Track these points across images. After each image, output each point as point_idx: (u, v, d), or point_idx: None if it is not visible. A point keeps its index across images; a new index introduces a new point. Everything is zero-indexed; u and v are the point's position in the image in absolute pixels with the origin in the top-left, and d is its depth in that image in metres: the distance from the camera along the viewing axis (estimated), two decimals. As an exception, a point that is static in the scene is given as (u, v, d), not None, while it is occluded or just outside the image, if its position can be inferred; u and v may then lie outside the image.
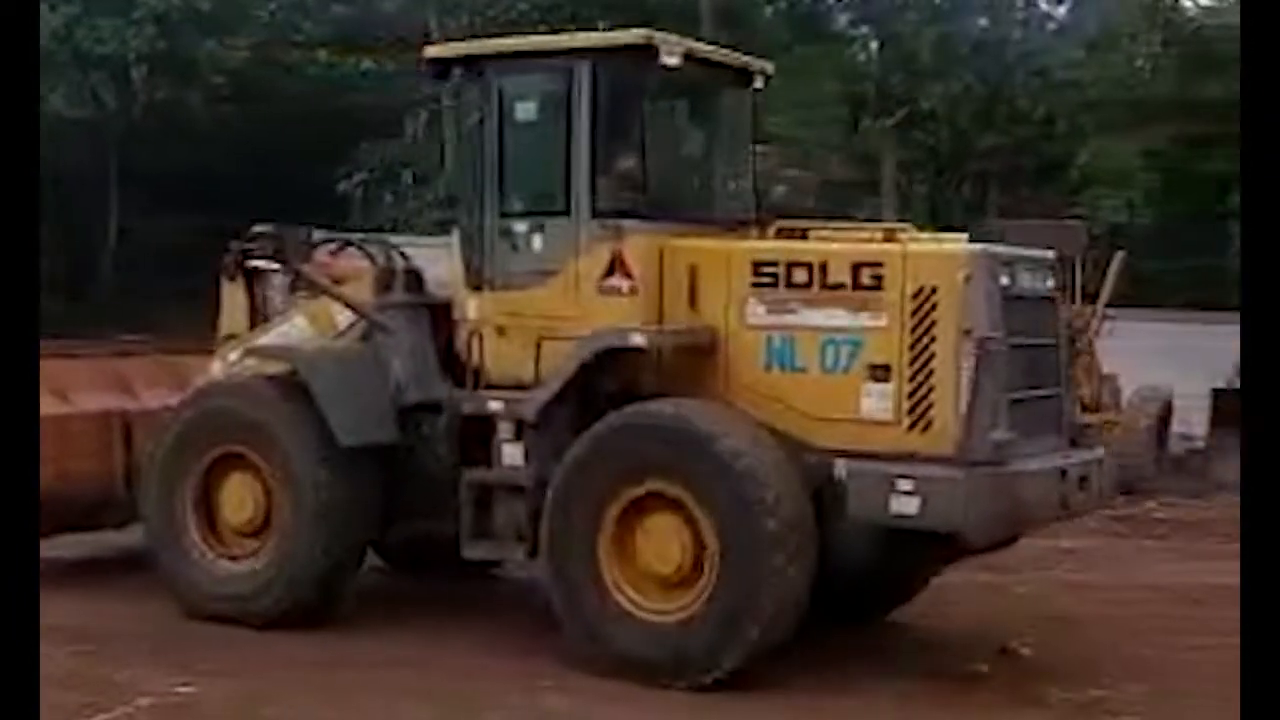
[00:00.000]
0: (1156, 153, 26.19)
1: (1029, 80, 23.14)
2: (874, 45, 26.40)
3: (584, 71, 7.94)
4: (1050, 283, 7.72)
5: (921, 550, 7.41)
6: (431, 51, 8.56)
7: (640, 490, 7.38)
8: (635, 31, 7.82)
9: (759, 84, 8.68)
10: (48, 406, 9.11)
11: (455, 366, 8.55)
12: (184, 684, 7.24)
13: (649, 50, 7.78)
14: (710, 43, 9.24)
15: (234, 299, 9.63)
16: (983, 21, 23.48)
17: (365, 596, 8.94)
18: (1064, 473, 7.31)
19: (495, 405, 8.04)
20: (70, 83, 30.85)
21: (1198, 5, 28.90)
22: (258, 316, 9.62)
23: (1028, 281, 7.48)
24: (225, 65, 29.44)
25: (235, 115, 30.99)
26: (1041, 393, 7.49)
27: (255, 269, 9.61)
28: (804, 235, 7.95)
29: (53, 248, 33.21)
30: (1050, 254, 7.87)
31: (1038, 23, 24.37)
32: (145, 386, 9.99)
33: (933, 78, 22.71)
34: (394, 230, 24.36)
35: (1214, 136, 22.15)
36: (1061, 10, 24.51)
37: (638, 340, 7.64)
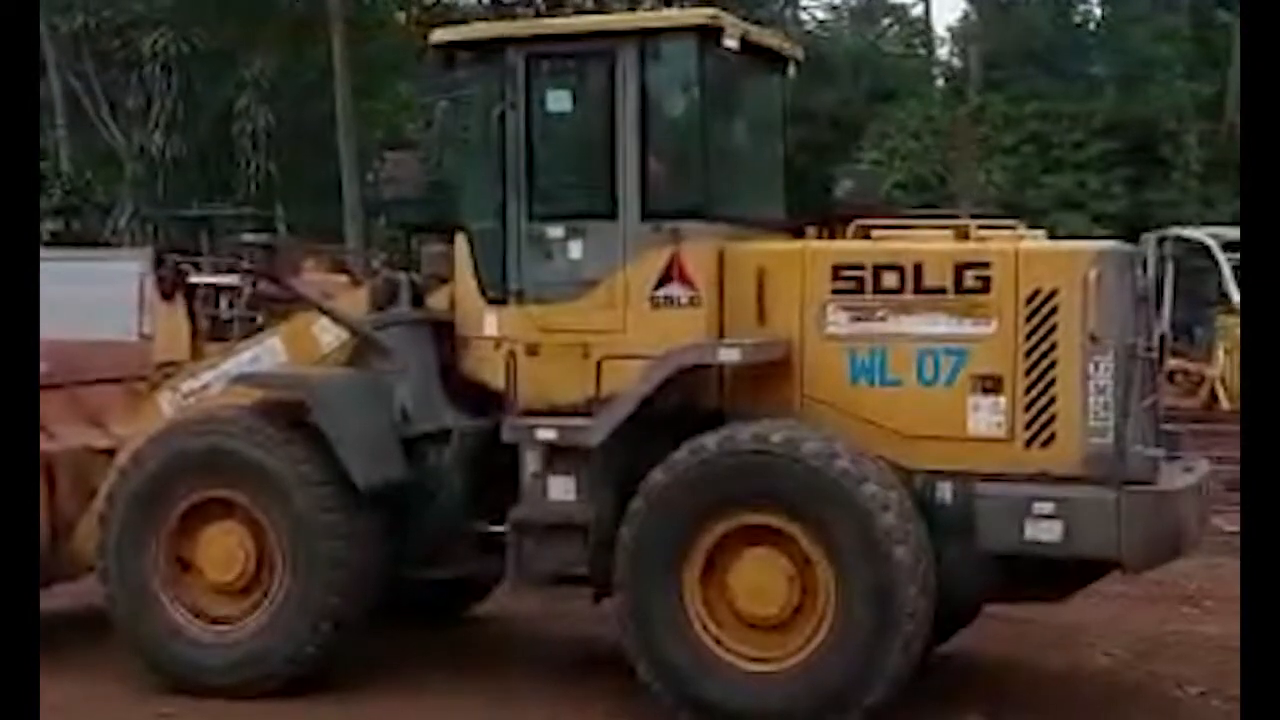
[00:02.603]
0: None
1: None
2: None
3: (630, 57, 7.09)
4: (1144, 277, 7.26)
5: (1044, 579, 6.79)
6: (438, 37, 7.52)
7: (735, 524, 6.58)
8: (699, 11, 7.01)
9: (791, 71, 7.99)
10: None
11: (461, 390, 7.56)
12: None
13: (711, 32, 6.99)
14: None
15: (172, 320, 8.37)
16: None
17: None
18: (1201, 488, 6.86)
19: (546, 433, 7.06)
20: None
21: (814, 19, 31.14)
22: (199, 340, 8.39)
23: (1141, 280, 7.02)
24: None
25: None
26: (1151, 399, 7.04)
27: (194, 286, 8.39)
28: (867, 235, 7.28)
29: None
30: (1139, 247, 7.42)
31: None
32: (58, 424, 8.54)
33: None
34: None
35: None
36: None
37: (729, 356, 6.83)
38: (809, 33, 31.05)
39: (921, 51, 32.64)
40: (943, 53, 34.03)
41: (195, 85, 26.58)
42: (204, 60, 26.29)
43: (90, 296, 15.69)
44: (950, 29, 39.53)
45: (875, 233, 7.22)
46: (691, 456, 6.61)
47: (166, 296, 8.39)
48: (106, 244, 23.81)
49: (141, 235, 25.47)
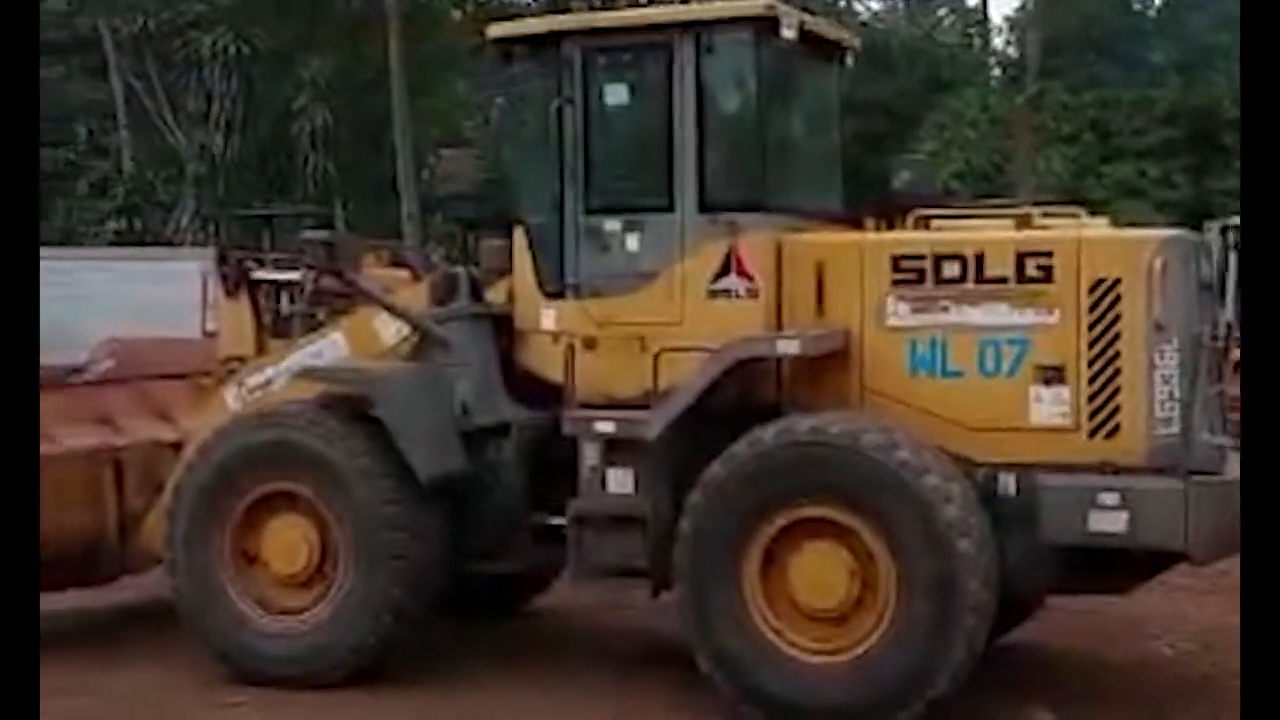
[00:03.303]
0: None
1: None
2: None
3: (687, 48, 7.09)
4: (1208, 265, 7.16)
5: (1109, 570, 6.72)
6: (495, 31, 7.55)
7: (794, 516, 6.55)
8: (756, 2, 6.99)
9: (849, 61, 7.95)
10: (28, 446, 7.87)
11: (520, 383, 7.60)
12: None
13: (768, 22, 6.97)
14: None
15: (237, 317, 8.48)
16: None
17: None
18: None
19: (605, 426, 7.07)
20: None
21: (869, 9, 30.86)
22: (263, 335, 8.48)
23: (1205, 268, 6.93)
24: None
25: None
26: (1217, 389, 6.94)
27: (258, 282, 8.49)
28: (927, 225, 7.23)
29: None
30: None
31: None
32: (126, 418, 8.68)
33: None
34: (68, 242, 23.79)
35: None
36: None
37: (787, 348, 6.81)
38: (864, 24, 30.92)
39: (978, 41, 32.38)
40: (999, 42, 33.75)
41: (255, 85, 26.83)
42: (263, 60, 26.54)
43: (155, 295, 15.97)
44: (1007, 18, 39.23)
45: (935, 223, 7.18)
46: (749, 449, 6.59)
47: (231, 293, 8.48)
48: (169, 243, 24.10)
49: (203, 234, 25.75)
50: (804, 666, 6.51)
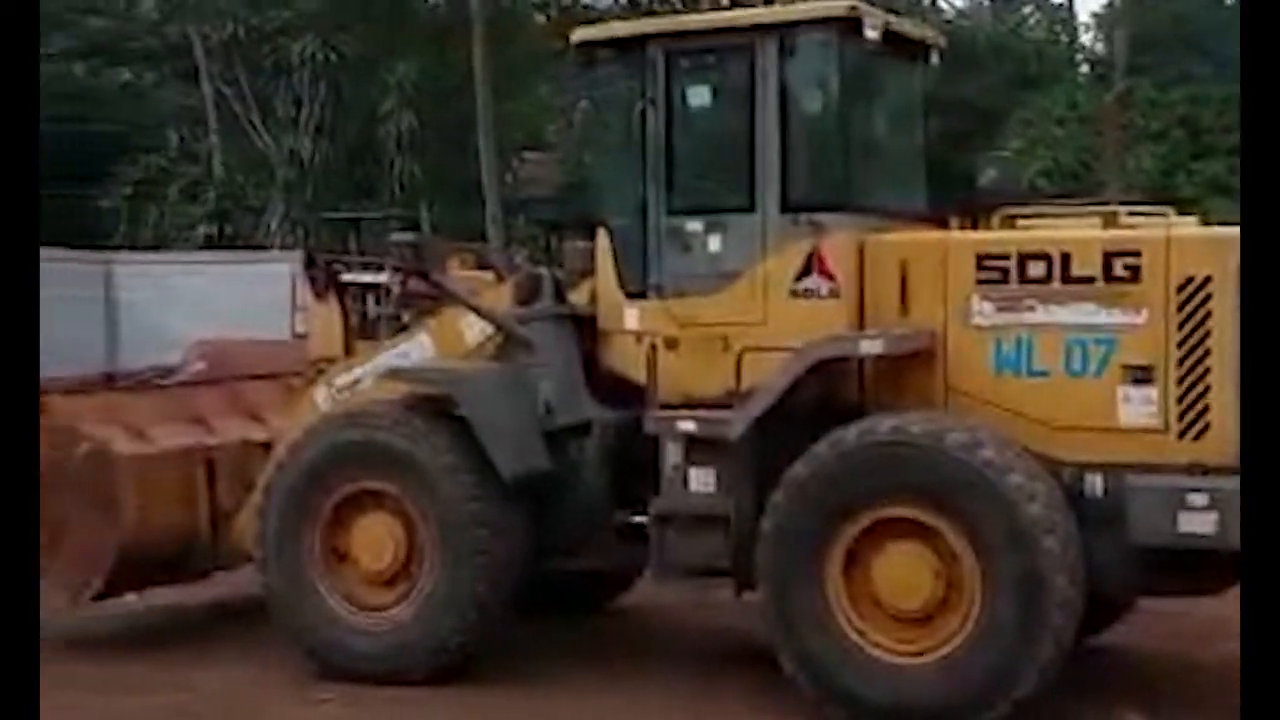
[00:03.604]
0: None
1: None
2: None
3: (770, 50, 7.10)
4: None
5: (1197, 572, 6.63)
6: (580, 35, 7.62)
7: (879, 516, 6.54)
8: (836, 3, 6.99)
9: (934, 59, 7.91)
10: (125, 445, 8.08)
11: (602, 383, 7.65)
12: None
13: (851, 23, 6.96)
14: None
15: (327, 319, 8.62)
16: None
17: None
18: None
19: (687, 425, 7.11)
20: None
21: (954, 8, 30.38)
22: (351, 336, 8.62)
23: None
24: None
25: None
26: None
27: (346, 285, 8.63)
28: (1013, 224, 7.18)
29: None
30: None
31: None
32: (218, 418, 8.87)
33: None
34: (163, 247, 24.12)
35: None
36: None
37: (870, 347, 6.80)
38: (949, 21, 30.61)
39: (1064, 38, 31.99)
40: (1086, 38, 33.28)
41: (342, 90, 27.19)
42: (350, 66, 26.89)
43: (245, 297, 16.28)
44: (1094, 14, 38.66)
45: (1021, 222, 7.13)
46: (832, 449, 6.59)
47: (320, 295, 8.63)
48: (259, 247, 24.49)
49: (292, 238, 26.14)
50: (888, 668, 6.49)
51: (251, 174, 27.41)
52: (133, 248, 24.05)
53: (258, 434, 8.70)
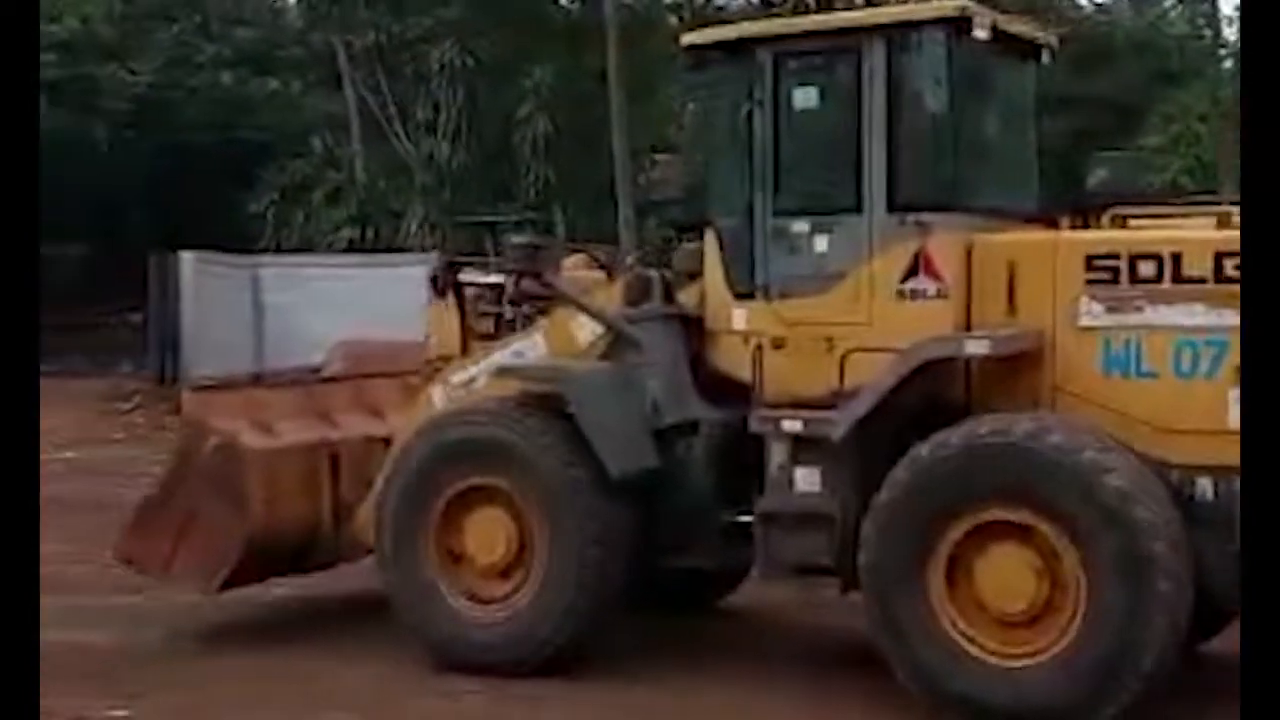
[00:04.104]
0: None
1: None
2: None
3: (878, 50, 7.12)
4: None
5: None
6: (690, 39, 7.73)
7: (980, 519, 6.52)
8: (945, 3, 6.98)
9: (1046, 58, 7.84)
10: (252, 439, 8.39)
11: (711, 383, 7.73)
12: (116, 708, 7.09)
13: (960, 23, 6.95)
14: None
15: (445, 318, 8.82)
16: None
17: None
18: None
19: (791, 425, 7.16)
20: None
21: (1092, 3, 29.35)
22: (470, 336, 8.83)
23: None
24: (128, 91, 29.01)
25: (139, 141, 30.73)
26: None
27: (464, 285, 8.84)
28: (1124, 224, 7.09)
29: None
30: None
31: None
32: (342, 414, 9.16)
33: None
34: (307, 250, 24.55)
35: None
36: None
37: (976, 348, 6.79)
38: (1086, 16, 29.93)
39: (1207, 32, 31.02)
40: (1230, 33, 32.27)
41: (479, 95, 27.67)
42: (487, 71, 27.35)
43: (385, 299, 16.70)
44: (1238, 8, 37.36)
45: (1132, 222, 7.04)
46: (934, 452, 6.58)
47: (439, 295, 8.86)
48: (399, 249, 25.05)
49: (430, 240, 26.67)
50: (1001, 671, 6.45)
51: (392, 179, 28.02)
52: (278, 251, 24.73)
53: (379, 430, 8.95)
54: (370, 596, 8.68)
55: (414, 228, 26.86)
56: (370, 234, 26.85)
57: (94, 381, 23.25)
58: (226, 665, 7.98)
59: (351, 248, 25.91)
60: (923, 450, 6.63)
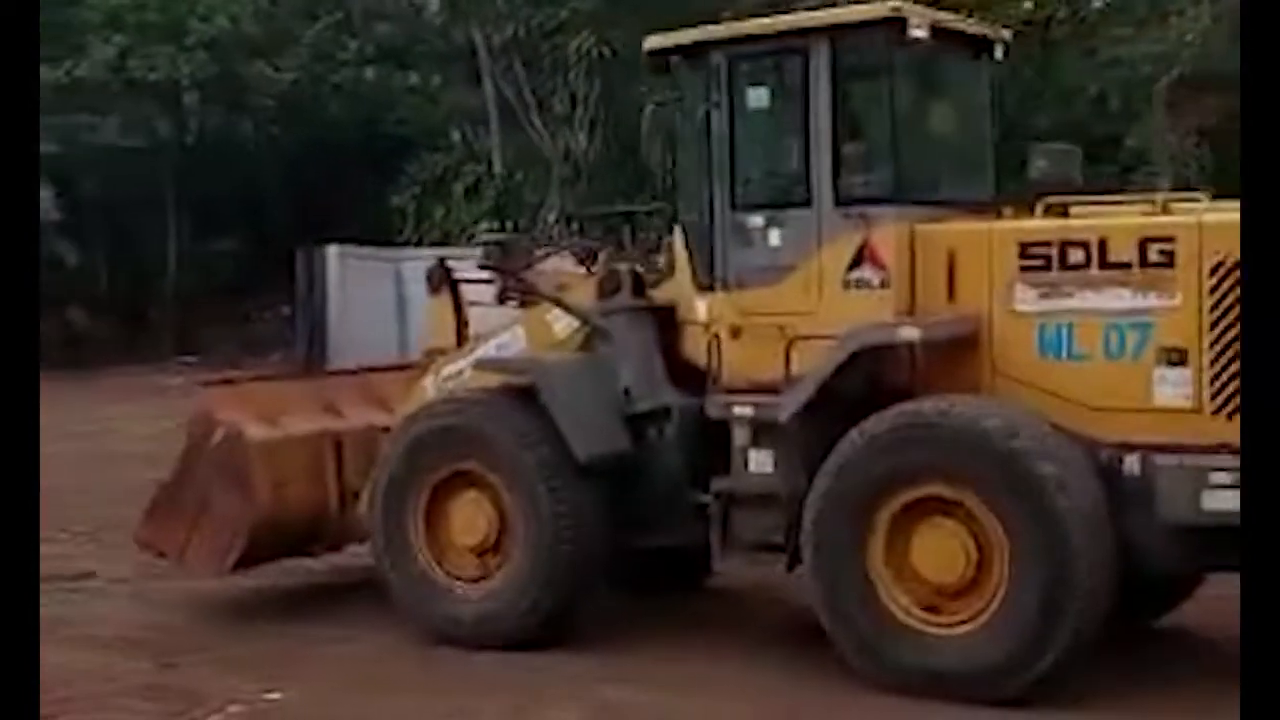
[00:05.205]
0: (1207, 130, 24.81)
1: (1078, 60, 22.09)
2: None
3: (822, 51, 7.46)
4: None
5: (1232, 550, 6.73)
6: (651, 43, 8.12)
7: (914, 495, 6.86)
8: (881, 4, 7.30)
9: (999, 54, 8.11)
10: (259, 431, 8.92)
11: (681, 371, 8.12)
12: (270, 690, 7.33)
13: (896, 24, 7.26)
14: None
15: (440, 313, 9.30)
16: (1027, 3, 22.48)
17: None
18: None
19: (742, 410, 7.55)
20: (124, 112, 31.26)
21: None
22: (464, 330, 9.30)
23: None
24: (274, 87, 29.58)
25: (285, 136, 31.24)
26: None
27: (459, 281, 9.30)
28: (1065, 212, 7.36)
29: (114, 274, 33.98)
30: None
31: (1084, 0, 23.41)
32: (349, 406, 9.68)
33: None
34: (446, 243, 24.73)
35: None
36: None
37: (907, 334, 7.12)
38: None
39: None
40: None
41: (614, 86, 27.51)
42: (623, 62, 27.07)
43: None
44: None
45: (1075, 210, 7.31)
46: (868, 432, 6.93)
47: (434, 292, 9.33)
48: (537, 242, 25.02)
49: (567, 231, 26.65)
50: (920, 636, 6.83)
51: (529, 171, 28.00)
52: (419, 244, 24.83)
53: (384, 419, 9.45)
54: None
55: (551, 219, 26.79)
56: (509, 226, 26.79)
57: (245, 373, 24.00)
58: (373, 648, 8.22)
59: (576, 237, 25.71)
60: (855, 434, 6.98)
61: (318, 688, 7.48)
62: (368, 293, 20.74)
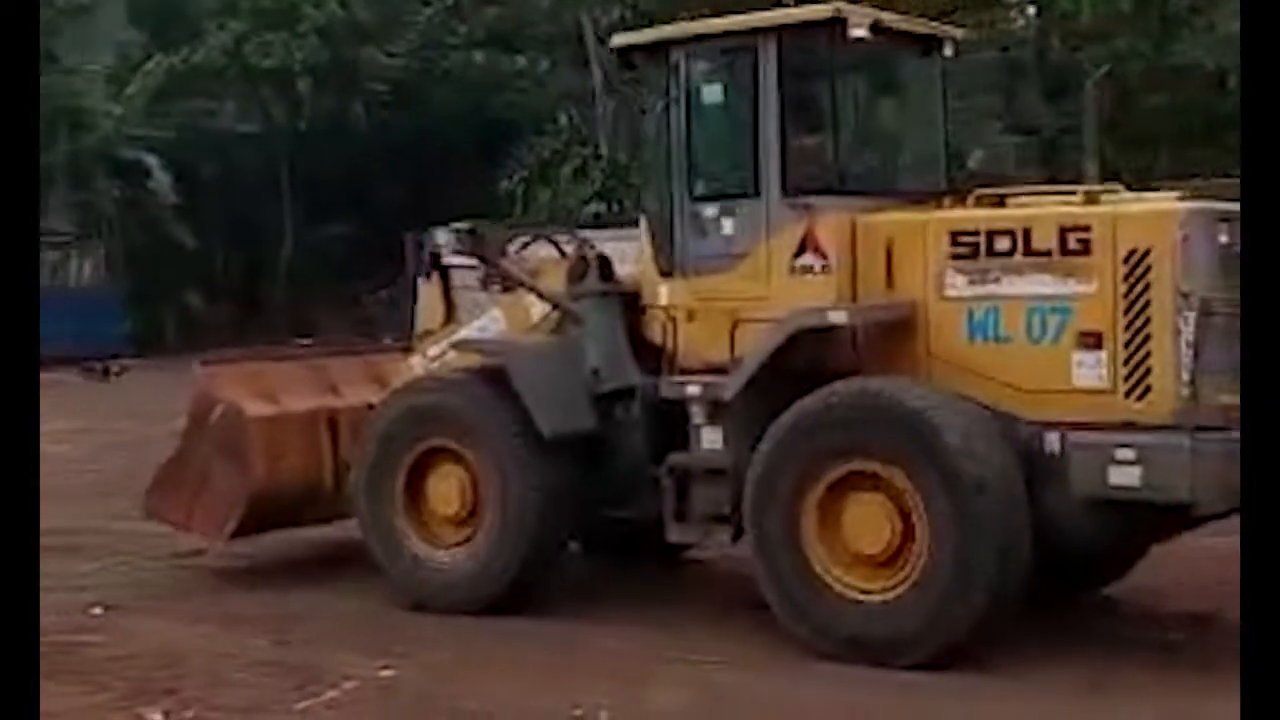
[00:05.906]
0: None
1: (1197, 36, 22.07)
2: (1031, 10, 25.66)
3: (770, 49, 7.87)
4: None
5: (1143, 523, 7.12)
6: (617, 40, 8.58)
7: (845, 469, 7.28)
8: (822, 5, 7.70)
9: (949, 51, 8.47)
10: (257, 408, 9.49)
11: (646, 353, 8.58)
12: (385, 667, 7.47)
13: (837, 23, 7.66)
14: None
15: (429, 297, 9.81)
16: None
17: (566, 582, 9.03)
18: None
19: (692, 389, 8.01)
20: (240, 97, 31.84)
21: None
22: (453, 313, 9.79)
23: (1231, 236, 7.14)
24: (384, 72, 29.98)
25: (395, 120, 31.60)
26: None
27: (449, 266, 9.79)
28: (1002, 202, 7.74)
29: (229, 258, 34.68)
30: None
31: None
32: (348, 385, 10.22)
33: (1093, 40, 21.84)
34: (551, 223, 24.91)
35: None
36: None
37: (836, 318, 7.54)
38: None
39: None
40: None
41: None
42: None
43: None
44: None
45: (1011, 200, 7.69)
46: (805, 408, 7.37)
47: (425, 276, 9.85)
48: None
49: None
50: (848, 603, 7.25)
51: (635, 153, 28.38)
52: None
53: (377, 398, 9.97)
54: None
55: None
56: (615, 208, 26.91)
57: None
58: (479, 626, 8.31)
59: (597, 223, 26.35)
60: (798, 406, 7.42)
61: (432, 665, 7.58)
62: (476, 275, 21.06)
